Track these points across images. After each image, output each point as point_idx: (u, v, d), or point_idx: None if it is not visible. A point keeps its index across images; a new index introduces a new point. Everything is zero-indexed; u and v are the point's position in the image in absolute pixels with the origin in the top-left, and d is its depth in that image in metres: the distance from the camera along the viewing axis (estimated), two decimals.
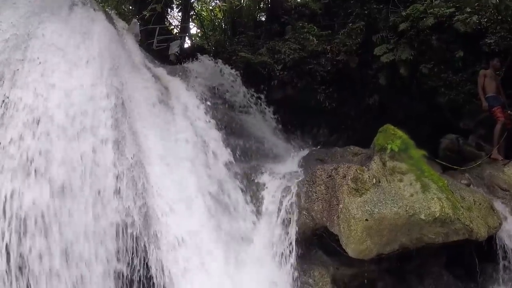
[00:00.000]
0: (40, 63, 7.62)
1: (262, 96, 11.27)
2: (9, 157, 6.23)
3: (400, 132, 7.03)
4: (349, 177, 6.51)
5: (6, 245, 5.65)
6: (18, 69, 7.34)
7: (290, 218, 7.01)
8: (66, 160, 6.59)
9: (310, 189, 7.02)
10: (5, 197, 5.87)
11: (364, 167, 6.74)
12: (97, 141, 7.08)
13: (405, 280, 7.36)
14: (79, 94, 7.42)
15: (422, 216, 6.31)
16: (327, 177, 6.93)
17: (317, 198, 6.90)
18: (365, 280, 7.08)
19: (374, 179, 6.50)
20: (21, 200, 5.90)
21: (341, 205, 6.41)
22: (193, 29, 24.47)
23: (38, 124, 6.74)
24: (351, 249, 6.31)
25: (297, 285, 6.81)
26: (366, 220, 6.18)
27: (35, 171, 6.21)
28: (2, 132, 6.49)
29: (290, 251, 6.88)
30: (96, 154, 6.91)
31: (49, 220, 5.97)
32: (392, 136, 6.92)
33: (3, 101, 6.84)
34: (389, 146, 6.78)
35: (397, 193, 6.43)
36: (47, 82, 7.32)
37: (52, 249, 5.89)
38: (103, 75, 8.05)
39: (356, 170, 6.57)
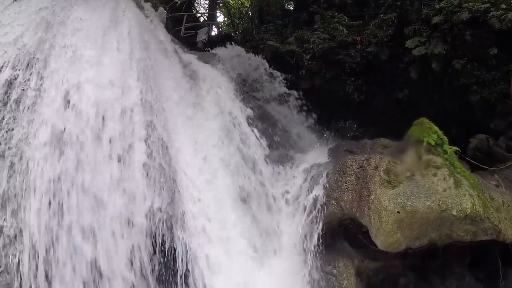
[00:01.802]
0: (70, 49, 7.71)
1: (289, 86, 11.22)
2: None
3: (435, 127, 6.98)
4: (382, 169, 6.51)
5: None
6: (48, 55, 7.46)
7: (318, 207, 7.01)
8: (96, 141, 6.72)
9: (340, 179, 7.03)
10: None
11: (397, 159, 6.68)
12: (127, 125, 7.17)
13: (427, 278, 7.34)
14: (109, 81, 7.49)
15: (454, 212, 6.29)
16: (358, 168, 6.92)
17: (347, 188, 6.90)
18: (389, 275, 7.09)
19: (408, 172, 6.46)
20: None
21: (372, 196, 6.41)
22: (220, 17, 24.56)
23: (69, 108, 6.87)
24: (381, 241, 6.31)
25: (321, 275, 6.84)
26: (398, 212, 6.17)
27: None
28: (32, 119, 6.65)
29: (316, 240, 6.91)
30: (126, 141, 7.01)
31: None
32: (428, 130, 6.88)
33: (36, 88, 6.99)
34: (425, 139, 6.74)
35: (431, 187, 6.39)
36: (77, 68, 7.43)
37: None
38: (133, 61, 8.12)
39: (389, 162, 6.57)
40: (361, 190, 6.68)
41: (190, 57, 10.36)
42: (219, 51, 11.89)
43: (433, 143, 6.73)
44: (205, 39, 15.27)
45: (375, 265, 7.08)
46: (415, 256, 6.95)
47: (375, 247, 6.71)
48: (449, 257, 7.20)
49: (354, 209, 6.71)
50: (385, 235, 6.23)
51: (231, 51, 11.91)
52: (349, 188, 6.88)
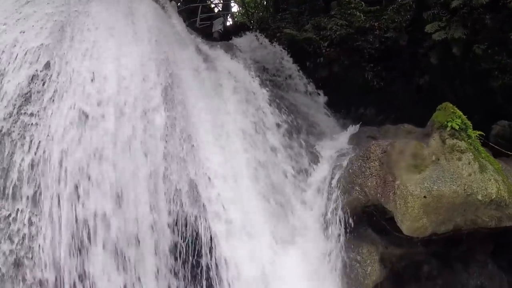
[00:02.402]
0: (88, 43, 7.81)
1: (308, 74, 11.21)
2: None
3: (459, 111, 6.97)
4: (408, 153, 6.51)
5: None
6: (67, 50, 7.56)
7: (341, 194, 7.07)
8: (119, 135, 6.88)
9: (364, 164, 7.02)
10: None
11: (421, 144, 6.69)
12: (148, 115, 7.29)
13: (450, 265, 7.31)
14: (130, 72, 7.62)
15: (479, 197, 6.29)
16: (382, 153, 6.92)
17: (371, 174, 6.90)
18: (412, 262, 7.12)
19: (433, 156, 6.46)
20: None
21: (397, 181, 6.42)
22: (234, 7, 24.55)
23: (91, 100, 7.03)
24: (407, 226, 6.32)
25: (345, 261, 6.90)
26: (424, 197, 6.18)
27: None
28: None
29: (339, 227, 6.97)
30: (147, 131, 7.15)
31: None
32: (452, 115, 6.86)
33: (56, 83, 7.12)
34: (449, 124, 6.73)
35: (456, 171, 6.38)
36: (97, 62, 7.54)
37: None
38: (152, 53, 8.20)
39: (415, 146, 6.57)
40: (386, 175, 6.68)
41: (208, 47, 10.40)
42: (236, 40, 11.90)
43: (457, 127, 6.72)
44: (220, 29, 15.31)
45: (399, 252, 7.07)
46: (438, 243, 6.93)
47: (399, 234, 6.73)
48: (472, 245, 7.18)
49: (378, 195, 6.71)
50: (411, 220, 6.25)
51: (248, 40, 11.93)
52: (373, 174, 6.86)
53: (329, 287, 6.94)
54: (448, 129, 6.71)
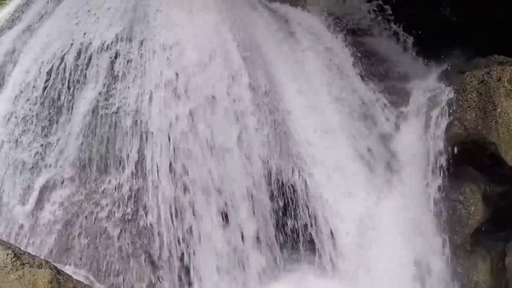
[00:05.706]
0: (160, 15, 8.10)
1: (383, 18, 11.06)
2: None
3: None
4: (505, 79, 6.43)
5: None
6: (142, 25, 7.90)
7: (439, 130, 7.12)
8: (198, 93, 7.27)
9: (460, 97, 6.99)
10: None
11: None
12: (231, 78, 7.61)
13: None
14: (205, 40, 7.87)
15: None
16: (478, 83, 6.85)
17: (469, 106, 6.87)
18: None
19: None
20: None
21: (498, 109, 6.41)
22: None
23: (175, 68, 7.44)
24: (511, 156, 6.27)
25: (447, 202, 6.97)
26: None
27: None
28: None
29: (439, 166, 7.01)
30: (231, 91, 7.48)
31: None
32: None
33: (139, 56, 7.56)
34: None
35: None
36: (172, 33, 7.84)
37: None
38: (224, 18, 8.39)
39: None
40: (485, 105, 6.65)
41: (276, 4, 10.47)
42: None
43: None
44: None
45: (500, 190, 7.04)
46: None
47: (500, 170, 6.78)
48: None
49: (479, 127, 6.71)
50: None
51: None
52: (472, 106, 6.84)
53: (431, 230, 7.03)
54: None
